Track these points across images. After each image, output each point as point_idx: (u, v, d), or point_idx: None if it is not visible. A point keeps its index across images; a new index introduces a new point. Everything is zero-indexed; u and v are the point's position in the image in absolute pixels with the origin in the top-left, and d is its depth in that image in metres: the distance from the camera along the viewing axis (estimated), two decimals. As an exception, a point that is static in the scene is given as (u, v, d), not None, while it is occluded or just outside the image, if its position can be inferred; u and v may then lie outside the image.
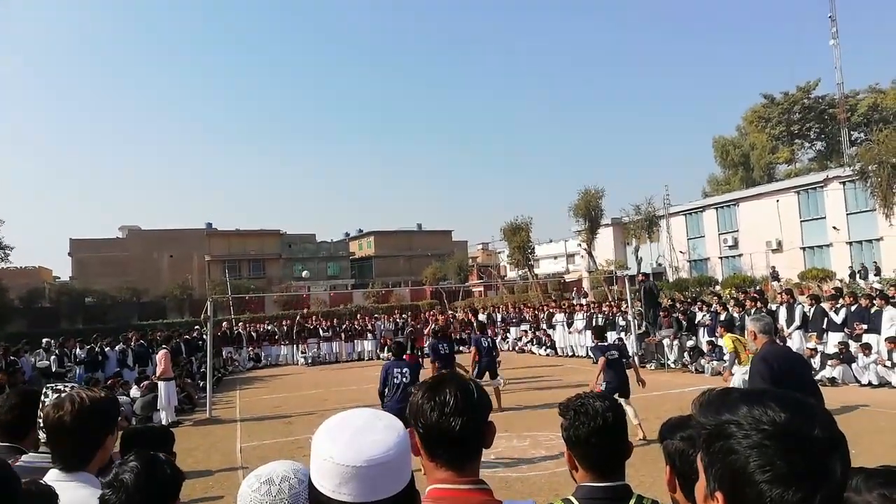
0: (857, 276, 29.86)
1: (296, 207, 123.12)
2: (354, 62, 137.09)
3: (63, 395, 2.17)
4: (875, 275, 29.08)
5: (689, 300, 19.61)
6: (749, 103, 67.89)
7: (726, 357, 10.99)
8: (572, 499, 1.96)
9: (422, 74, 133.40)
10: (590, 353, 20.18)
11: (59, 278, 57.24)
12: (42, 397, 2.40)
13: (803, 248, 36.43)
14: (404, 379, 8.32)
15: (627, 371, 9.56)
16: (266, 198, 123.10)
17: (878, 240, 32.28)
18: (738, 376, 10.16)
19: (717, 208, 42.54)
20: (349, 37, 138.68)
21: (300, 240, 62.42)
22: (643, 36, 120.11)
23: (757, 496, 0.83)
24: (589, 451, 1.96)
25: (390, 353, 10.54)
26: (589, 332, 20.41)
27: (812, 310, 13.43)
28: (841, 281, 28.42)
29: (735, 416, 0.89)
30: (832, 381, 12.12)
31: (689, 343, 15.73)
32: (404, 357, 9.36)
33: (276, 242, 59.67)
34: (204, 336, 21.44)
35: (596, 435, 1.94)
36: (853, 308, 12.78)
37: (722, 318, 15.05)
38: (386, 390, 8.50)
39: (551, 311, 23.74)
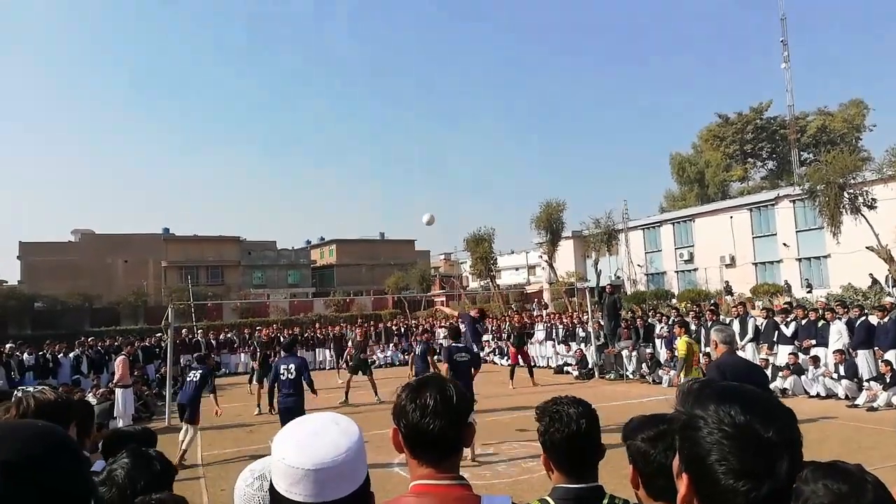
0: (798, 289, 31.09)
1: (256, 214, 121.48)
2: (316, 69, 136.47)
3: (14, 399, 2.18)
4: (808, 291, 30.27)
5: (647, 312, 20.11)
6: (705, 122, 70.10)
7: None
8: (549, 499, 2.08)
9: (384, 84, 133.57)
10: (549, 364, 20.56)
11: (7, 282, 55.20)
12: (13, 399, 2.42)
13: (755, 264, 37.67)
14: (290, 375, 9.09)
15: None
16: (225, 204, 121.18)
17: (825, 256, 33.57)
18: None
19: (673, 223, 43.65)
20: (314, 42, 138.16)
21: (260, 247, 61.62)
22: (605, 54, 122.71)
23: (713, 483, 0.99)
24: (563, 455, 2.06)
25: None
26: (549, 343, 20.77)
27: (764, 323, 13.96)
28: (790, 295, 29.49)
29: (705, 411, 1.03)
30: (783, 392, 12.59)
31: (647, 352, 16.13)
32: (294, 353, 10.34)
33: (235, 249, 58.75)
34: (162, 343, 21.04)
35: (569, 440, 2.04)
36: (803, 322, 13.33)
37: (679, 329, 15.52)
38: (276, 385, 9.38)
39: (512, 323, 23.96)
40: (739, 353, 13.81)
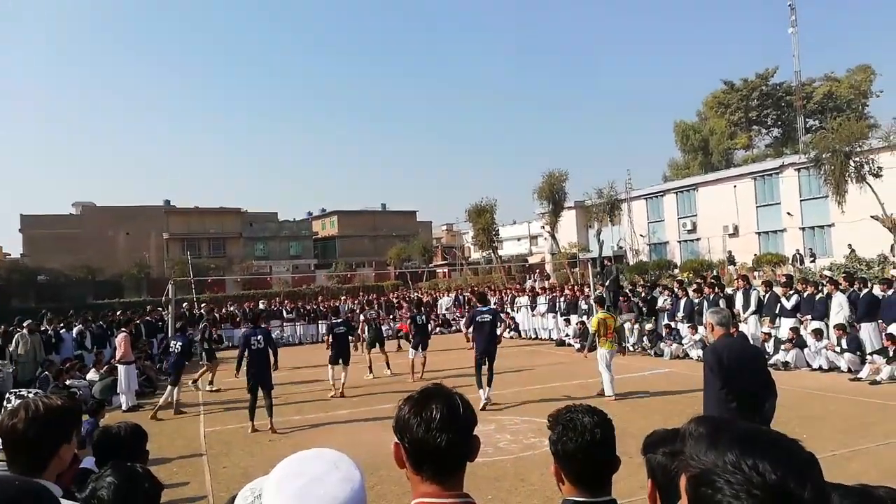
0: (799, 260, 30.89)
1: (257, 185, 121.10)
2: (317, 41, 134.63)
3: (21, 401, 2.12)
4: (811, 261, 30.04)
5: (649, 284, 20.03)
6: (710, 88, 69.15)
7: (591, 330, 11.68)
8: None
9: (387, 54, 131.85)
10: (550, 336, 20.58)
11: (10, 255, 55.33)
12: (4, 402, 2.35)
13: (758, 233, 37.46)
14: (259, 345, 10.18)
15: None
16: (227, 175, 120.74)
17: (829, 226, 33.35)
18: (602, 356, 11.01)
19: (676, 193, 43.33)
20: (316, 15, 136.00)
21: (262, 218, 61.42)
22: (610, 20, 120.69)
23: None
24: (576, 466, 1.97)
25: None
26: (551, 315, 20.76)
27: (766, 296, 13.87)
28: (793, 266, 29.36)
29: (725, 463, 0.88)
30: (785, 365, 12.57)
31: (648, 327, 16.10)
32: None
33: (236, 221, 58.59)
34: (164, 317, 21.09)
35: (583, 450, 1.95)
36: (805, 295, 13.24)
37: (682, 303, 15.47)
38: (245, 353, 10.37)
39: (515, 294, 23.97)
40: (742, 325, 13.85)
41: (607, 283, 17.14)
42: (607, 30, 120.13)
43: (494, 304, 25.13)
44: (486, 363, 10.73)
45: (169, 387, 12.44)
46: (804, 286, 13.52)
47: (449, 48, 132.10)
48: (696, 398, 9.77)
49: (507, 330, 22.88)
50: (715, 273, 25.29)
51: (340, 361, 12.91)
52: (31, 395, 2.28)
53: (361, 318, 17.48)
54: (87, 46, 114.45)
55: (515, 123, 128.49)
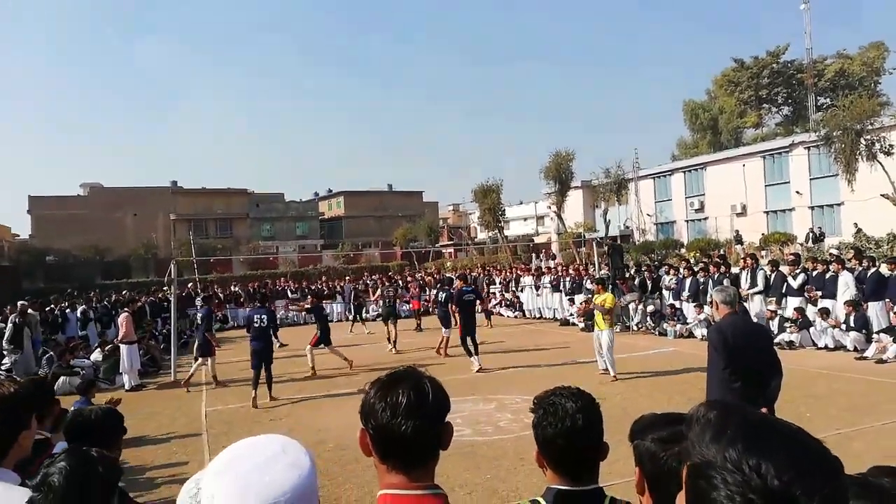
0: (812, 239, 30.62)
1: (264, 166, 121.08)
2: (327, 17, 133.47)
3: None
4: (819, 239, 29.70)
5: (655, 263, 19.87)
6: (720, 67, 68.19)
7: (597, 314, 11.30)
8: (541, 500, 1.88)
9: (394, 33, 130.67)
10: (555, 316, 20.53)
11: (19, 236, 55.63)
12: None
13: (766, 213, 37.11)
14: (262, 324, 10.88)
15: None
16: (233, 156, 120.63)
17: (839, 204, 32.98)
18: (605, 338, 10.84)
19: (684, 172, 42.93)
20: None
21: (268, 199, 61.44)
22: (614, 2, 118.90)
23: None
24: (556, 453, 1.87)
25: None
26: (556, 295, 20.68)
27: (773, 275, 13.71)
28: (801, 245, 29.09)
29: (725, 459, 0.77)
30: (790, 345, 12.45)
31: (651, 308, 15.99)
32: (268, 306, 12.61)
33: (243, 202, 58.64)
34: (168, 297, 21.14)
35: (564, 436, 1.84)
36: (813, 274, 13.07)
37: (687, 282, 15.32)
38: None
39: (519, 273, 23.89)
40: (748, 304, 13.73)
41: (610, 262, 17.01)
42: (615, 7, 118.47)
43: (500, 283, 25.28)
44: (471, 336, 12.15)
45: (200, 358, 12.50)
46: (813, 264, 13.33)
47: (455, 27, 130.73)
48: (701, 378, 9.74)
49: (513, 310, 22.95)
50: (721, 252, 25.03)
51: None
52: None
53: (378, 293, 18.93)
54: (92, 27, 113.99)
55: (520, 104, 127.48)
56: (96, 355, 13.82)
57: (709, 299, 14.44)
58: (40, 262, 43.17)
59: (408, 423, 1.40)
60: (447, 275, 27.65)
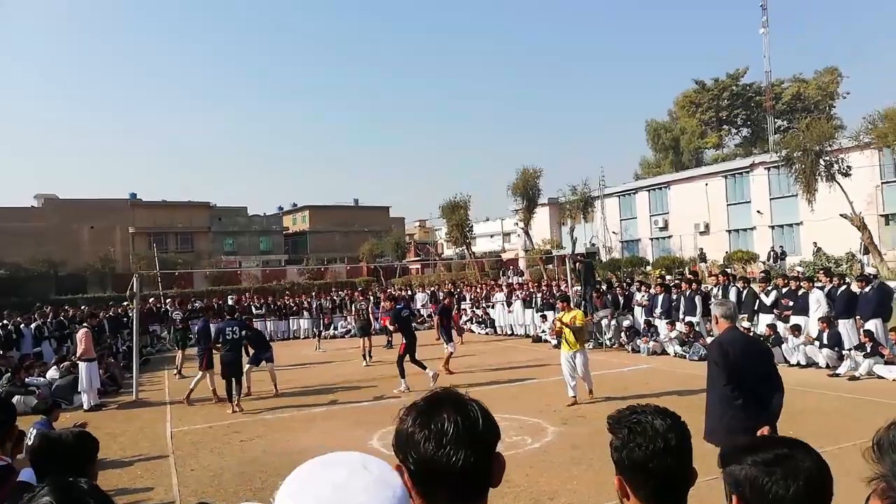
0: (774, 258, 31.49)
1: (227, 179, 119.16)
2: (294, 28, 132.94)
3: None
4: (781, 258, 30.52)
5: (625, 280, 19.98)
6: (681, 88, 69.87)
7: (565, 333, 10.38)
8: None
9: (360, 47, 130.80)
10: (527, 332, 20.45)
11: (-32, 249, 53.43)
12: None
13: (729, 231, 37.92)
14: (234, 336, 11.22)
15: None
16: (195, 168, 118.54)
17: (798, 224, 33.87)
18: (580, 359, 10.06)
19: (649, 190, 43.67)
20: (290, 10, 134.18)
21: (231, 213, 60.37)
22: (582, 20, 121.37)
23: None
24: (646, 479, 1.65)
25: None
26: (528, 312, 20.61)
27: (745, 291, 13.87)
28: (764, 263, 29.73)
29: None
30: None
31: (626, 323, 16.01)
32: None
33: (205, 215, 57.47)
34: (129, 313, 20.40)
35: (656, 459, 1.64)
36: (784, 291, 13.26)
37: (660, 299, 15.39)
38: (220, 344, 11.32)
39: (490, 290, 23.79)
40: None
41: (582, 278, 17.02)
42: (580, 28, 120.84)
43: (470, 299, 25.15)
44: (411, 355, 12.03)
45: (199, 372, 12.08)
46: (784, 281, 13.52)
47: (425, 47, 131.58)
48: (684, 397, 9.69)
49: (483, 326, 22.81)
50: (692, 269, 25.40)
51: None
52: None
53: (354, 308, 19.40)
54: (49, 35, 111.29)
55: (487, 121, 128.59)
56: (52, 373, 13.16)
57: (681, 316, 14.64)
58: (-10, 275, 41.45)
59: (458, 455, 1.20)
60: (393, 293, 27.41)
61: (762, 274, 15.32)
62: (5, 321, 16.85)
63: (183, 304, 21.56)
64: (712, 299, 14.18)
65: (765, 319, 13.27)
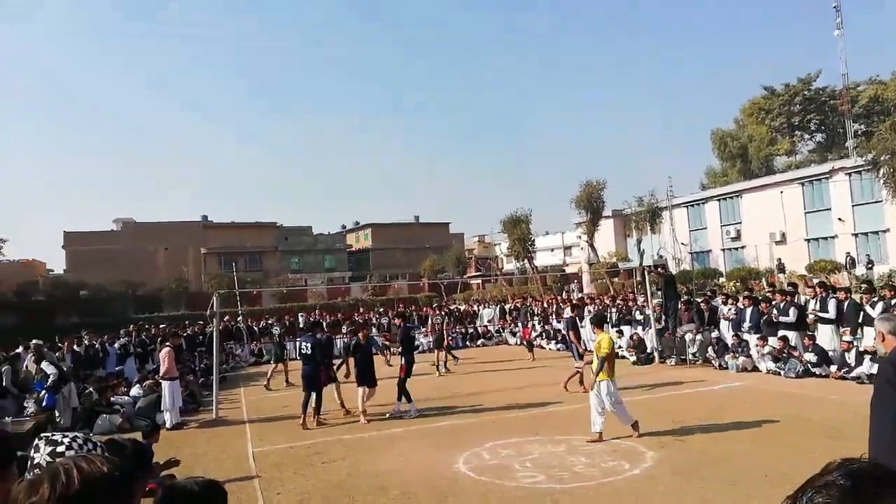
0: (850, 265, 29.80)
1: (292, 200, 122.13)
2: (353, 54, 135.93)
3: (50, 465, 1.50)
4: (869, 267, 28.79)
5: (708, 293, 19.08)
6: (745, 96, 67.63)
7: (594, 360, 8.98)
8: None
9: (420, 65, 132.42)
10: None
11: (53, 271, 56.35)
12: (32, 451, 1.76)
13: (808, 240, 36.06)
14: (307, 350, 11.56)
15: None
16: (262, 190, 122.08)
17: (884, 231, 31.91)
18: (604, 391, 8.68)
19: (719, 200, 42.14)
20: (350, 24, 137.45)
21: (297, 232, 61.71)
22: (645, 29, 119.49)
23: None
24: None
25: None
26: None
27: (846, 303, 12.94)
28: (847, 272, 28.08)
29: None
30: (870, 378, 11.61)
31: (713, 336, 15.17)
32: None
33: (272, 235, 58.96)
34: (207, 330, 20.83)
35: None
36: (893, 302, 12.27)
37: (748, 312, 14.54)
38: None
39: (561, 305, 23.19)
40: (816, 334, 12.95)
41: (663, 292, 16.34)
42: (642, 37, 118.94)
43: (538, 313, 24.61)
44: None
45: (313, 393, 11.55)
46: (892, 293, 12.51)
47: (482, 60, 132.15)
48: (801, 420, 8.94)
49: (554, 342, 22.22)
50: (764, 280, 24.13)
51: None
52: (67, 442, 1.71)
53: (429, 322, 20.78)
54: (131, 61, 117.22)
55: (541, 134, 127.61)
56: (136, 391, 13.43)
57: (877, 330, 13.61)
58: (74, 297, 43.46)
59: None
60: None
61: (865, 285, 14.27)
62: (90, 340, 17.43)
63: (280, 320, 22.23)
64: (811, 311, 13.36)
65: (871, 333, 12.30)
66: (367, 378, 11.53)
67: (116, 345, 17.01)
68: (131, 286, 46.22)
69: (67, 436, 1.72)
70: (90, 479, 1.27)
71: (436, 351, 18.02)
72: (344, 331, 18.69)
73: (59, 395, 11.90)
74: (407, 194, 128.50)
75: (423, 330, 23.06)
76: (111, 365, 16.13)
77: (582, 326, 20.95)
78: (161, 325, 21.36)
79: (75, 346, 15.89)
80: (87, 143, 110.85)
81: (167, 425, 11.95)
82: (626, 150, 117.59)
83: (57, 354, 14.63)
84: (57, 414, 11.74)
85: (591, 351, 11.64)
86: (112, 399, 12.70)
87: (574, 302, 19.87)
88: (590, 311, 20.72)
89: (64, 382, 12.19)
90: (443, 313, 20.35)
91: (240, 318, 26.47)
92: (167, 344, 12.85)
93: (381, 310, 31.11)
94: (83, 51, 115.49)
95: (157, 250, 54.89)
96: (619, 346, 18.18)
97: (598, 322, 10.07)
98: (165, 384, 12.16)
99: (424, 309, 30.02)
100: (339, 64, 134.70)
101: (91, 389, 12.70)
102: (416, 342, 17.70)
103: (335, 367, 12.61)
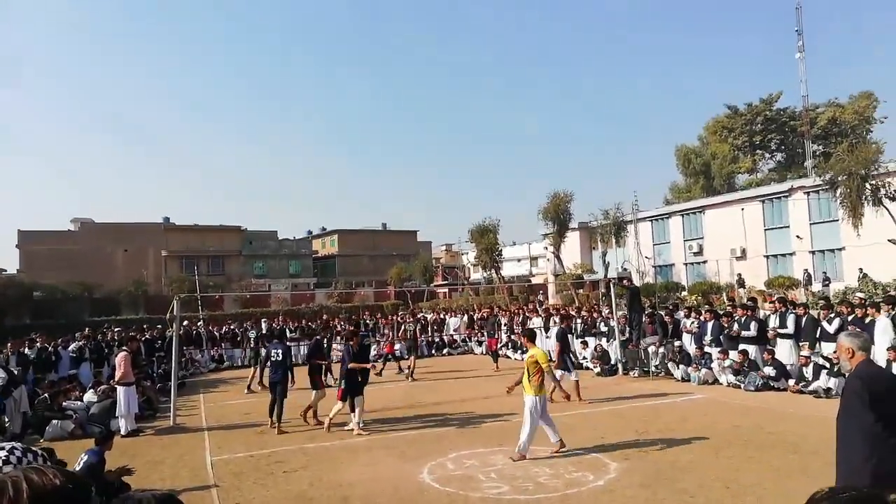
0: (807, 281, 30.75)
1: (257, 204, 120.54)
2: (323, 57, 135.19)
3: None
4: (825, 284, 29.70)
5: (671, 306, 19.36)
6: (711, 113, 69.22)
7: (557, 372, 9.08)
8: None
9: (389, 72, 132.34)
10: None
11: (6, 271, 54.41)
12: None
13: (767, 256, 36.99)
14: (278, 358, 11.60)
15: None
16: (226, 193, 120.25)
17: (840, 249, 32.88)
18: (527, 405, 8.41)
19: (682, 215, 42.97)
20: (319, 31, 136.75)
21: (261, 237, 60.89)
22: (613, 44, 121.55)
23: None
24: None
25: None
26: (567, 338, 20.03)
27: (804, 318, 13.24)
28: (804, 289, 28.84)
29: None
30: (826, 392, 11.89)
31: (676, 346, 15.36)
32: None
33: (236, 239, 58.02)
34: (166, 334, 20.33)
35: None
36: (849, 318, 12.59)
37: (710, 326, 14.78)
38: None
39: (526, 315, 23.26)
40: (776, 349, 13.21)
41: (628, 304, 16.50)
42: (610, 53, 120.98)
43: (505, 324, 24.63)
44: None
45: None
46: (849, 308, 12.85)
47: (451, 68, 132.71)
48: (763, 434, 9.05)
49: (519, 351, 22.24)
50: (724, 295, 24.63)
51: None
52: (5, 468, 1.53)
53: (402, 329, 20.63)
54: (92, 52, 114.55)
55: (511, 146, 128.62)
56: (89, 396, 12.99)
57: (843, 346, 13.89)
58: (27, 297, 41.99)
59: None
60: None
61: (822, 301, 14.64)
62: (42, 343, 16.79)
63: (257, 324, 21.92)
64: (771, 327, 13.63)
65: (827, 348, 12.60)
66: (355, 390, 10.97)
67: (71, 348, 16.43)
68: (88, 288, 44.89)
69: (4, 447, 1.56)
70: (41, 492, 1.15)
71: (410, 357, 18.40)
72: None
73: (10, 399, 11.46)
74: (375, 202, 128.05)
75: (375, 338, 22.71)
76: (64, 369, 15.57)
77: (547, 337, 21.11)
78: (117, 329, 20.72)
79: (26, 349, 15.27)
80: (47, 140, 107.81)
81: (122, 432, 11.58)
82: (593, 163, 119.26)
83: (0, 356, 14.12)
84: (7, 419, 11.30)
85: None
86: (64, 404, 12.27)
87: (563, 313, 19.82)
88: (555, 322, 20.84)
89: (14, 386, 11.74)
90: (415, 320, 20.78)
91: (200, 323, 25.92)
92: (124, 348, 12.48)
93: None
94: (39, 37, 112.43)
95: (116, 252, 53.46)
96: (584, 358, 18.33)
97: (531, 336, 9.65)
98: (121, 389, 11.79)
99: (390, 317, 29.80)
100: (311, 65, 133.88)
101: (46, 395, 12.26)
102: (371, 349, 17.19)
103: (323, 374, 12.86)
